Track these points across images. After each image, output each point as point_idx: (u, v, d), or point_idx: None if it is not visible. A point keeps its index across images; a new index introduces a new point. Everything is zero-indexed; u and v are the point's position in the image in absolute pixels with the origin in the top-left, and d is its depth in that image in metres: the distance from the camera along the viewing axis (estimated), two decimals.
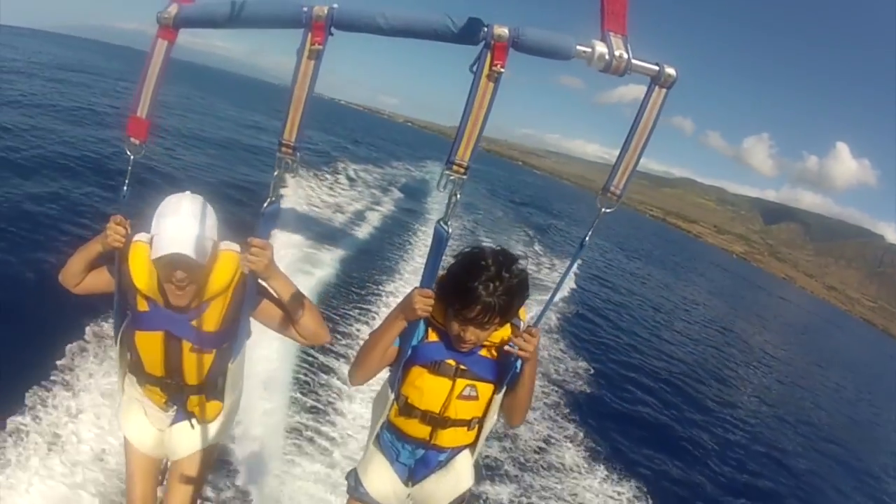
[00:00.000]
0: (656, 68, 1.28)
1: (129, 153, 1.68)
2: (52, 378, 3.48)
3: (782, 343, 19.41)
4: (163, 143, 11.69)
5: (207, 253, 1.77)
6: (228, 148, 14.32)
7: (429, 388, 1.82)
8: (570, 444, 5.42)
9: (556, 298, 1.76)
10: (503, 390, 1.84)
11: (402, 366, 1.81)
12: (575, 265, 1.63)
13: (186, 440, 2.10)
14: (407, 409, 1.87)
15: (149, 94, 1.62)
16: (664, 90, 1.29)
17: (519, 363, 1.77)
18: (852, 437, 11.06)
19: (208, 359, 1.94)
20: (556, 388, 6.50)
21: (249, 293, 1.82)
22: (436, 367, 1.80)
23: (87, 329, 4.02)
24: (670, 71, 1.27)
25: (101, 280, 1.89)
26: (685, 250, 57.83)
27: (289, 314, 1.85)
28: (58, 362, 3.64)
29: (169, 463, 2.21)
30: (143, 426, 2.12)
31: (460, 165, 1.39)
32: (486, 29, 1.29)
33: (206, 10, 1.53)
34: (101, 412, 3.34)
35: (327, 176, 13.37)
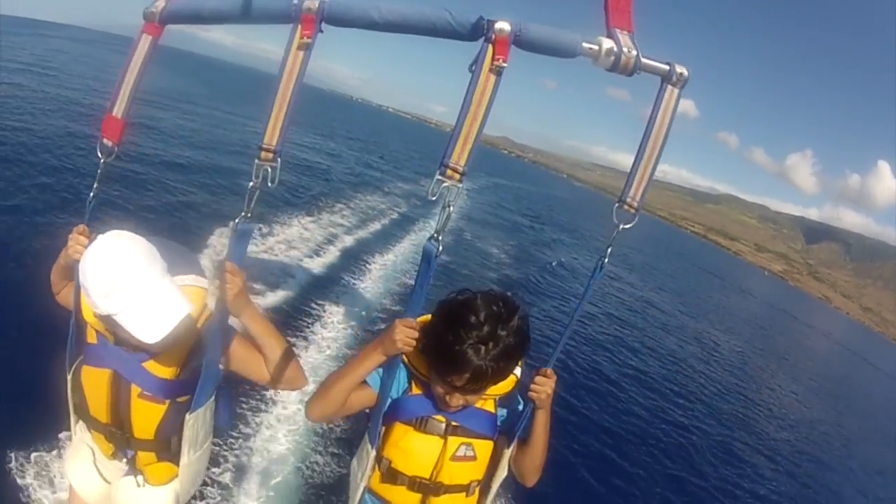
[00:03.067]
0: (667, 67, 1.21)
1: (99, 155, 1.55)
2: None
3: (804, 387, 16.68)
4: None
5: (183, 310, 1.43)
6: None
7: (415, 450, 1.56)
8: None
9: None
10: (513, 444, 1.59)
11: (381, 420, 1.55)
12: (591, 291, 1.40)
13: (131, 499, 1.81)
14: (391, 475, 1.60)
15: (127, 93, 1.53)
16: (676, 90, 1.22)
17: (530, 411, 1.54)
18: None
19: (160, 411, 1.64)
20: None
21: (215, 333, 1.51)
22: (422, 425, 1.55)
23: None
24: (682, 69, 1.20)
25: (71, 298, 1.64)
26: (716, 271, 53.24)
27: (261, 355, 1.60)
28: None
29: None
30: (90, 475, 1.85)
31: (455, 170, 1.21)
32: (486, 24, 1.22)
33: (193, 5, 1.46)
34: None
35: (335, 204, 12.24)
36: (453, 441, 1.56)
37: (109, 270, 1.36)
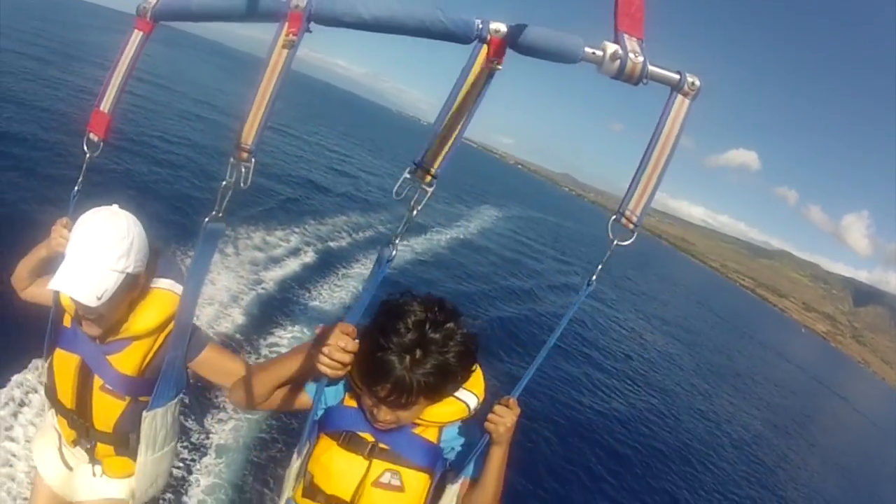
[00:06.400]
0: (677, 76, 1.09)
1: (85, 150, 1.54)
2: None
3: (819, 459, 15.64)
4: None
5: (110, 292, 1.46)
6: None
7: (335, 468, 1.42)
8: None
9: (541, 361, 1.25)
10: (459, 481, 1.44)
11: (309, 429, 1.42)
12: (572, 313, 1.24)
13: (88, 487, 1.84)
14: (312, 490, 1.47)
15: (115, 88, 1.51)
16: (688, 100, 1.10)
17: (484, 444, 1.37)
18: None
19: (119, 406, 1.68)
20: None
21: (179, 336, 1.51)
22: (347, 441, 1.42)
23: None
24: (693, 79, 1.08)
25: (43, 290, 1.67)
26: (756, 332, 49.15)
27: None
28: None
29: None
30: (54, 459, 1.88)
31: (426, 172, 1.13)
32: (480, 24, 1.13)
33: (183, 2, 1.43)
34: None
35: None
36: (377, 464, 1.41)
37: (83, 224, 1.48)
